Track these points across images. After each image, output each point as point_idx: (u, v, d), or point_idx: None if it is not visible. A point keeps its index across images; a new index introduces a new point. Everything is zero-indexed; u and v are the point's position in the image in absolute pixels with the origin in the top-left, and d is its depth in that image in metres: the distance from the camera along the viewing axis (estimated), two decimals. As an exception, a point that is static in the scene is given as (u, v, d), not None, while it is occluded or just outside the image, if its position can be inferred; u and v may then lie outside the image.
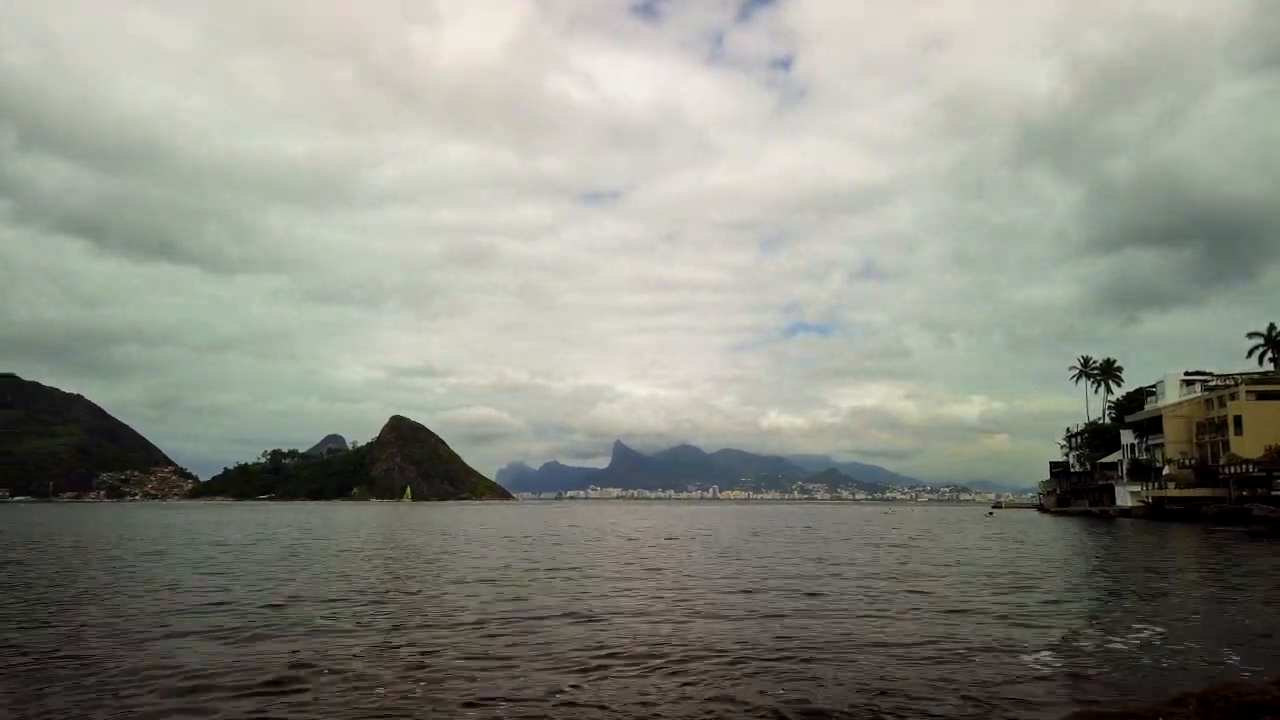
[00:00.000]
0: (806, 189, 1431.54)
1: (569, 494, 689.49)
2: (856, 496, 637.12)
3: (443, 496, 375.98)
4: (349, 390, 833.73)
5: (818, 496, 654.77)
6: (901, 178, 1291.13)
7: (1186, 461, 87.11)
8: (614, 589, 23.44)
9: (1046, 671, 12.84)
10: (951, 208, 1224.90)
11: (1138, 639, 15.66)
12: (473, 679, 12.25)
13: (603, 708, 10.73)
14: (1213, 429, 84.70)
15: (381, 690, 11.58)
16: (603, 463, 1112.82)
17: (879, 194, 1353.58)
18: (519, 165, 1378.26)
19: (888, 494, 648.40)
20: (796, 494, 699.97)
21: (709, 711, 10.58)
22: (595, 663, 13.33)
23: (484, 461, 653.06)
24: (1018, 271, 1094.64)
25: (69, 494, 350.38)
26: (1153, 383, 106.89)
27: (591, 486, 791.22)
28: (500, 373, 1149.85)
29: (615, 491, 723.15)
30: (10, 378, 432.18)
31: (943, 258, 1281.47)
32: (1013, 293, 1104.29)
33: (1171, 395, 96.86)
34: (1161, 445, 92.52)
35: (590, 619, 17.76)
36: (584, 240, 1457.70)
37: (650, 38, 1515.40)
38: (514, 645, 14.83)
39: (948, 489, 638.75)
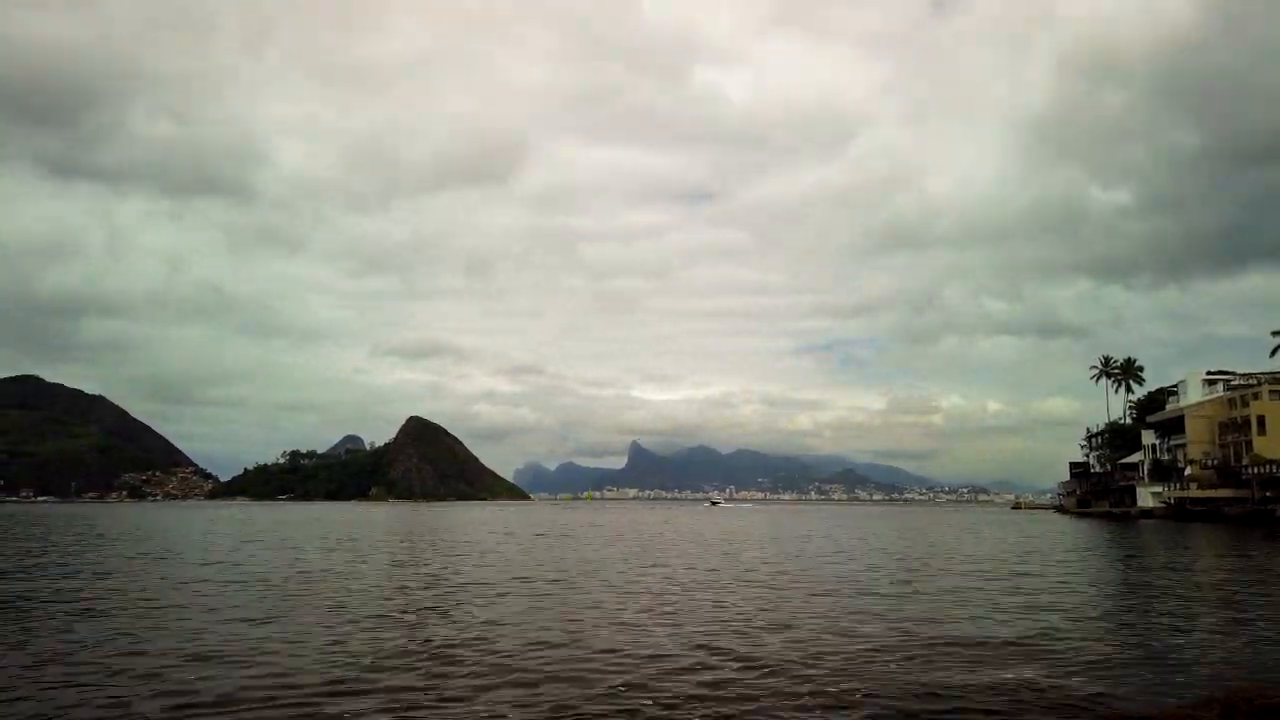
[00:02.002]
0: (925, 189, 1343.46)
1: (584, 495, 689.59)
2: (874, 497, 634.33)
3: (460, 497, 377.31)
4: (367, 386, 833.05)
5: (835, 497, 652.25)
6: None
7: (1209, 462, 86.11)
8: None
9: (1070, 674, 12.69)
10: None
11: (1161, 642, 15.48)
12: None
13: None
14: (1235, 429, 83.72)
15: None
16: (618, 463, 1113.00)
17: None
18: (640, 166, 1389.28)
19: (905, 495, 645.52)
20: (813, 495, 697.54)
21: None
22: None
23: (499, 461, 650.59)
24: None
25: (90, 494, 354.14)
26: (1174, 382, 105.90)
27: (608, 487, 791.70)
28: (520, 370, 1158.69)
29: (632, 492, 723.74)
30: (32, 378, 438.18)
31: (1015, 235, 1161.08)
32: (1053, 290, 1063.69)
33: (1194, 395, 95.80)
34: (1183, 445, 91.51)
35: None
36: (684, 243, 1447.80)
37: (833, 25, 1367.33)
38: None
39: (966, 489, 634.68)
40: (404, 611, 19.12)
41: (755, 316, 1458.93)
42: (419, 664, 13.40)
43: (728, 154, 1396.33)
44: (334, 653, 14.23)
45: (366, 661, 13.51)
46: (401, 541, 50.04)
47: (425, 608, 19.82)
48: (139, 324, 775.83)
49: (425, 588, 24.34)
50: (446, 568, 31.22)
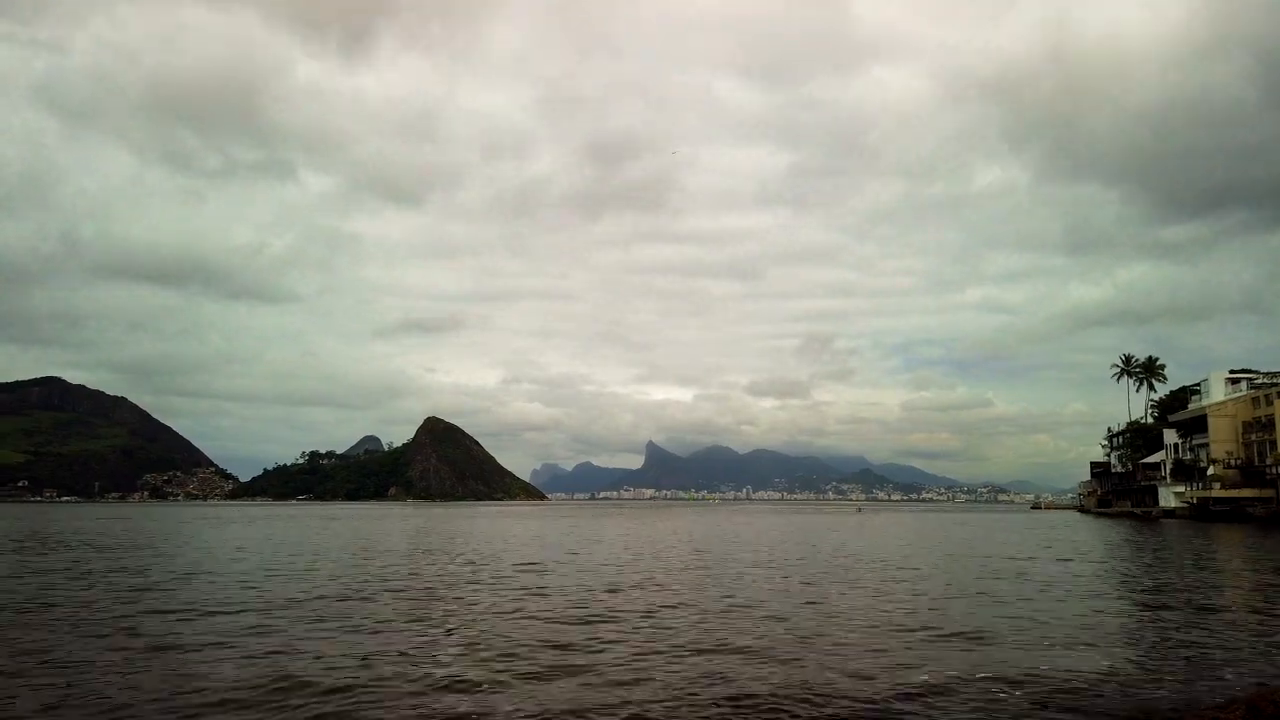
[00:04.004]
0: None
1: (601, 495, 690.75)
2: (892, 497, 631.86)
3: (477, 497, 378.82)
4: (379, 377, 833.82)
5: (852, 498, 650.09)
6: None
7: (1232, 461, 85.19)
8: None
9: (1092, 675, 12.58)
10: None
11: (1184, 643, 15.31)
12: None
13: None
14: (1259, 428, 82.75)
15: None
16: (634, 462, 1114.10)
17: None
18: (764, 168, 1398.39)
19: (924, 495, 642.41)
20: (831, 495, 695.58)
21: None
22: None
23: (514, 461, 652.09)
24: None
25: (113, 494, 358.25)
26: (1196, 381, 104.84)
27: (625, 487, 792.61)
28: (541, 371, 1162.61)
29: (649, 492, 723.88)
30: (56, 380, 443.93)
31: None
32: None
33: (1216, 394, 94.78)
34: (1206, 445, 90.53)
35: None
36: (784, 243, 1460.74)
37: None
38: None
39: (985, 489, 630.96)
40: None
41: (830, 318, 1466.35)
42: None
43: (854, 152, 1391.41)
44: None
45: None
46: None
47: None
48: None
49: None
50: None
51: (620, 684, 11.84)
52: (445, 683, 11.90)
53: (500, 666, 12.90)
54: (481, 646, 14.46)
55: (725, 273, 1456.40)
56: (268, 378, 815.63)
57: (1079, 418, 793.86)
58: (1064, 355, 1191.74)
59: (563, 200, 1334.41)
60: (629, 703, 10.85)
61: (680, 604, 20.05)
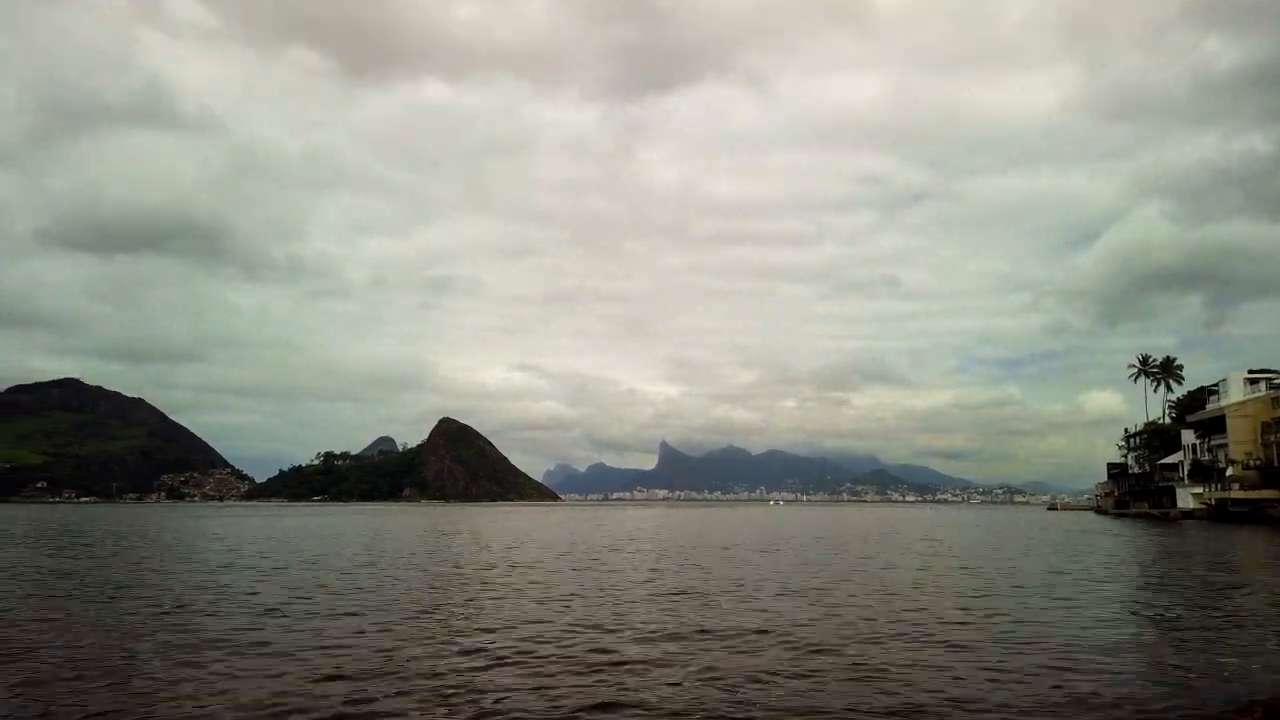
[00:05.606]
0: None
1: (615, 496, 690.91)
2: (907, 498, 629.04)
3: (491, 497, 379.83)
4: (396, 381, 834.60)
5: (866, 499, 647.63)
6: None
7: (1251, 462, 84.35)
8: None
9: (1110, 679, 12.47)
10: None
11: (1202, 647, 15.17)
12: None
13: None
14: (1279, 429, 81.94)
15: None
16: (648, 462, 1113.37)
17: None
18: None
19: (938, 496, 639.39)
20: (845, 496, 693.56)
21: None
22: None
23: (528, 462, 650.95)
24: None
25: (131, 495, 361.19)
26: (1214, 381, 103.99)
27: (638, 488, 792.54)
28: (553, 370, 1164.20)
29: (662, 493, 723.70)
30: (74, 381, 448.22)
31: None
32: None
33: (1235, 394, 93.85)
34: (1225, 446, 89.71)
35: None
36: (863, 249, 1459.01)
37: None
38: None
39: (1000, 491, 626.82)
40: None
41: (883, 320, 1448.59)
42: None
43: (944, 152, 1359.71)
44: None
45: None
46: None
47: None
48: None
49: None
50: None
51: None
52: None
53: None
54: None
55: (772, 273, 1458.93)
56: (268, 368, 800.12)
57: (1098, 418, 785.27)
58: (1098, 356, 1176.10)
59: (597, 207, 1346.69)
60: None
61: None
